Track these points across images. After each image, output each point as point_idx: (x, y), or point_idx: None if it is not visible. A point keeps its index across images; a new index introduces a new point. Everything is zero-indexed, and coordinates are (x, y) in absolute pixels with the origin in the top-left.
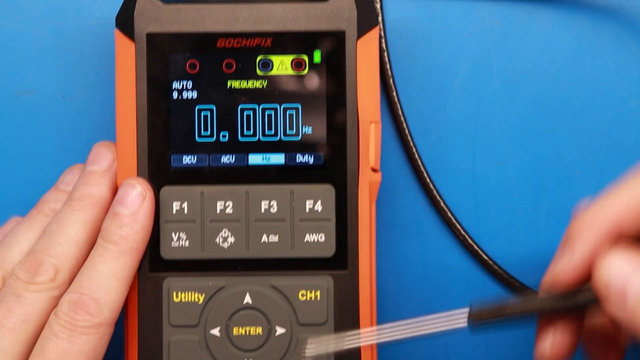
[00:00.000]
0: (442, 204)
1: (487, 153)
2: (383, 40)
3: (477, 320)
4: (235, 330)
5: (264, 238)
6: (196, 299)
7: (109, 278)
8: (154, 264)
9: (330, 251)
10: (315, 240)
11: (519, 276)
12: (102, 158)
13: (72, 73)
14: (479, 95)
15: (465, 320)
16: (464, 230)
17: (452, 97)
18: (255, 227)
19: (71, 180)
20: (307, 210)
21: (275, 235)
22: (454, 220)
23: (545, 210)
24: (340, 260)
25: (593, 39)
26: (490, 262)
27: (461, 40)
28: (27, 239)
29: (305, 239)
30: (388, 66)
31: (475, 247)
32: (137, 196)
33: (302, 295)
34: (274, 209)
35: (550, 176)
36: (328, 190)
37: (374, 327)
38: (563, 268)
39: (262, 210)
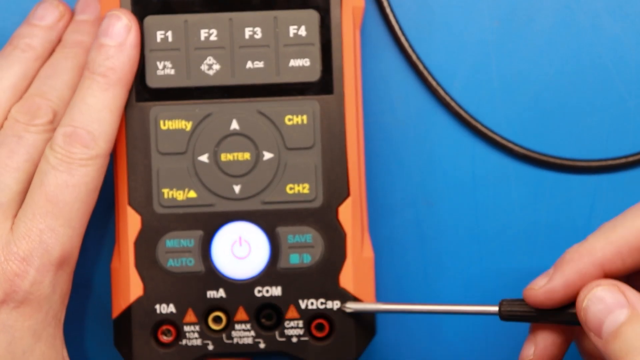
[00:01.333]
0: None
1: (486, 153)
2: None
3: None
4: (223, 157)
5: (249, 64)
6: (183, 126)
7: (101, 110)
8: (140, 94)
9: (315, 75)
10: (300, 65)
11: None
12: (92, 7)
13: None
14: (479, 95)
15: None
16: None
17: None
18: (240, 53)
19: (43, 14)
20: (291, 35)
21: (260, 61)
22: None
23: (545, 210)
24: (325, 84)
25: (593, 39)
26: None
27: (461, 40)
28: (11, 75)
29: (290, 64)
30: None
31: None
32: (122, 27)
33: (289, 119)
34: (258, 35)
35: (550, 176)
36: (312, 15)
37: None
38: (547, 285)
39: (247, 37)
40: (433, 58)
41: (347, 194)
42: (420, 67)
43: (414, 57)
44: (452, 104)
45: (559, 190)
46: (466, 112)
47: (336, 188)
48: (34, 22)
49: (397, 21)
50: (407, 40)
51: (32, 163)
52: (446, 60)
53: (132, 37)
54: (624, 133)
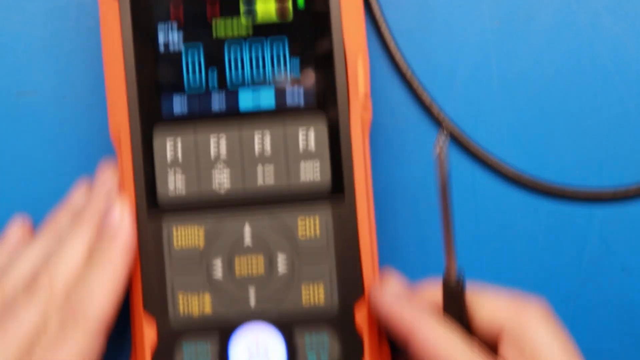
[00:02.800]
0: (442, 116)
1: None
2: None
3: None
4: (237, 267)
5: (259, 176)
6: (196, 239)
7: (100, 294)
8: (152, 208)
9: (326, 184)
10: (311, 176)
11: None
12: (107, 179)
13: (72, 73)
14: (479, 96)
15: None
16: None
17: (451, 98)
18: (250, 165)
19: (77, 197)
20: (301, 145)
21: (271, 173)
22: None
23: (545, 210)
24: (337, 191)
25: (593, 39)
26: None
27: (461, 40)
28: (34, 258)
29: (300, 174)
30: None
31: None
32: (117, 215)
33: (302, 228)
34: (267, 147)
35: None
36: (320, 124)
37: None
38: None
39: (256, 148)
40: (433, 58)
41: (362, 293)
42: (416, 85)
43: (408, 74)
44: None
45: (560, 217)
46: (465, 135)
47: (351, 290)
48: (67, 206)
49: (389, 31)
50: (402, 57)
51: (25, 340)
52: (446, 60)
53: (127, 222)
54: (624, 133)
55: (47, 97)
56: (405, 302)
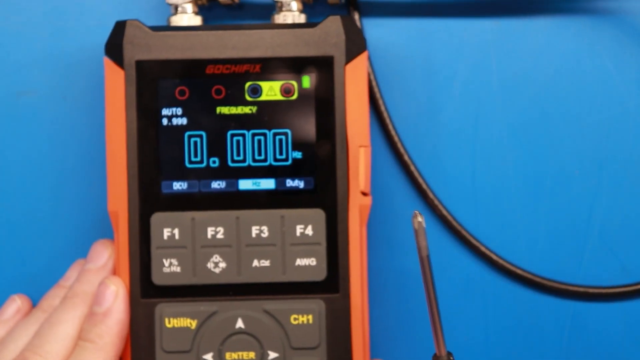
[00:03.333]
0: (440, 208)
1: (486, 154)
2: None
3: None
4: (228, 356)
5: (255, 263)
6: (188, 325)
7: None
8: (146, 290)
9: (321, 275)
10: (307, 264)
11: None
12: (98, 256)
13: (72, 74)
14: (479, 96)
15: None
16: (465, 230)
17: (451, 98)
18: (247, 252)
19: (72, 275)
20: (298, 234)
21: (267, 260)
22: (454, 223)
23: (545, 210)
24: (331, 283)
25: (592, 39)
26: (494, 257)
27: (461, 41)
28: (24, 337)
29: (297, 263)
30: (374, 80)
31: (480, 247)
32: (110, 294)
33: (295, 319)
34: (264, 234)
35: (550, 176)
36: (318, 214)
37: None
38: None
39: (253, 235)
40: (432, 58)
41: None
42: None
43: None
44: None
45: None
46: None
47: None
48: (62, 283)
49: (390, 120)
50: (405, 149)
51: None
52: (446, 60)
53: (119, 302)
54: (623, 133)
55: (47, 97)
56: None
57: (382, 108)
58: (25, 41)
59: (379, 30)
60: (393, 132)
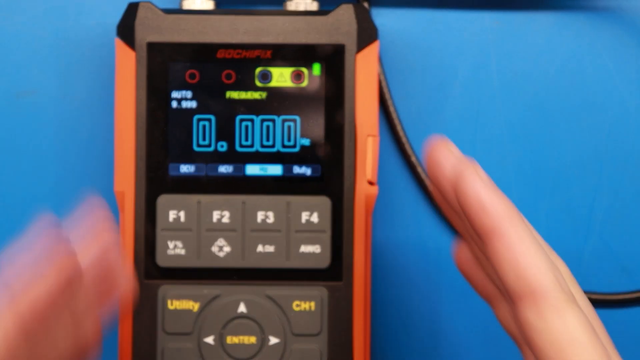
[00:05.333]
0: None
1: (486, 153)
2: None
3: None
4: (229, 339)
5: (260, 248)
6: (191, 307)
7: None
8: (150, 272)
9: (325, 262)
10: (311, 251)
11: None
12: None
13: (72, 73)
14: (479, 96)
15: None
16: None
17: (451, 98)
18: (251, 237)
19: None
20: (303, 221)
21: (271, 245)
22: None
23: (545, 210)
24: (335, 271)
25: (592, 39)
26: None
27: (461, 41)
28: None
29: (301, 250)
30: (383, 73)
31: None
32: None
33: (297, 305)
34: (270, 220)
35: (550, 176)
36: (324, 202)
37: None
38: None
39: (259, 221)
40: (437, 49)
41: None
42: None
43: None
44: None
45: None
46: None
47: None
48: None
49: (397, 115)
50: (409, 144)
51: None
52: (446, 60)
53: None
54: (624, 133)
55: (47, 97)
56: (499, 195)
57: (387, 96)
58: (25, 41)
59: (386, 20)
60: (397, 122)
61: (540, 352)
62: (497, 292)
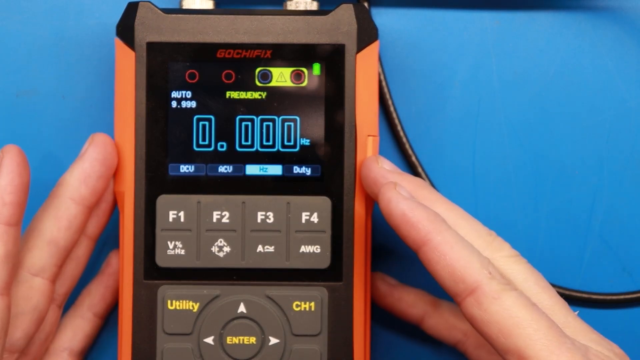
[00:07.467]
0: None
1: (487, 153)
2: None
3: None
4: (229, 340)
5: (260, 248)
6: (190, 307)
7: None
8: (149, 272)
9: (325, 263)
10: (311, 251)
11: None
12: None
13: (72, 73)
14: (479, 96)
15: None
16: None
17: (452, 98)
18: (251, 237)
19: None
20: (303, 221)
21: (271, 245)
22: None
23: (545, 210)
24: (335, 272)
25: (592, 39)
26: None
27: (461, 41)
28: None
29: (301, 250)
30: (382, 73)
31: None
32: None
33: (297, 306)
34: (270, 220)
35: (550, 176)
36: (324, 202)
37: None
38: None
39: (259, 221)
40: (433, 58)
41: None
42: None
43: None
44: None
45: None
46: None
47: None
48: None
49: (397, 115)
50: (409, 145)
51: None
52: (446, 60)
53: None
54: (624, 133)
55: (47, 97)
56: (422, 206)
57: (387, 96)
58: (25, 41)
59: (386, 20)
60: (397, 122)
61: (494, 342)
62: (421, 307)
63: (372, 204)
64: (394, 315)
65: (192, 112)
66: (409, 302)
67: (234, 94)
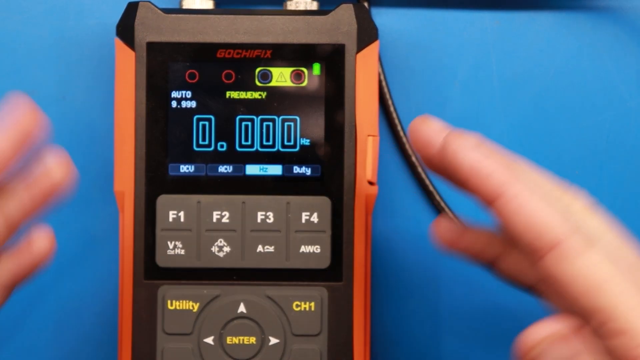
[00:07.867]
0: (442, 204)
1: None
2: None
3: None
4: (229, 340)
5: (260, 248)
6: (190, 307)
7: None
8: (149, 272)
9: (325, 263)
10: (311, 251)
11: None
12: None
13: (72, 73)
14: (479, 96)
15: None
16: None
17: (452, 98)
18: (251, 237)
19: None
20: (303, 221)
21: (271, 245)
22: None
23: None
24: (335, 271)
25: (592, 39)
26: None
27: (461, 41)
28: None
29: (301, 250)
30: (382, 73)
31: None
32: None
33: (297, 306)
34: (270, 220)
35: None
36: (324, 202)
37: None
38: None
39: (259, 221)
40: (433, 58)
41: None
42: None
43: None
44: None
45: None
46: None
47: None
48: None
49: (397, 114)
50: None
51: None
52: (446, 60)
53: None
54: (624, 133)
55: (47, 98)
56: (495, 154)
57: (387, 96)
58: (25, 42)
59: (386, 20)
60: (397, 122)
61: (577, 301)
62: (494, 249)
63: (373, 203)
64: (462, 259)
65: (192, 112)
66: (483, 243)
67: (234, 94)
